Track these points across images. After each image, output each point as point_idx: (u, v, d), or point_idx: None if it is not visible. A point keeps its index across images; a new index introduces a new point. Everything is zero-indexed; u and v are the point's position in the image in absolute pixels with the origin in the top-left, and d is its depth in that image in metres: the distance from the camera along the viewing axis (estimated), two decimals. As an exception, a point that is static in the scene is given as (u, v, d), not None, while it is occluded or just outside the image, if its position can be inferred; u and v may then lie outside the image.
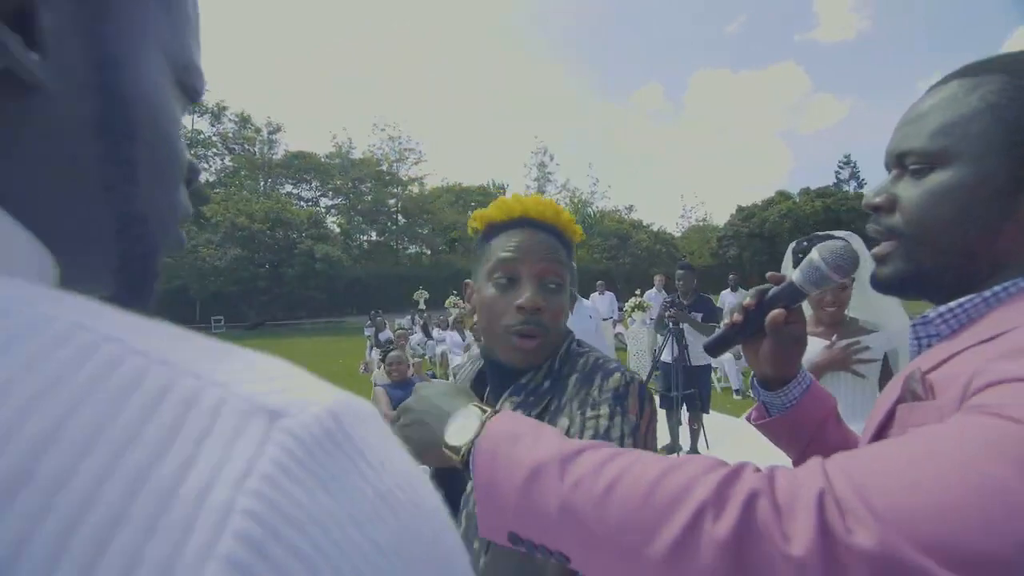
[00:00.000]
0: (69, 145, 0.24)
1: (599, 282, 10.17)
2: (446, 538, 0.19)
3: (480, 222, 0.83)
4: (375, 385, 3.60)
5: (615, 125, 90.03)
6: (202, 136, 27.89)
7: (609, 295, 9.88)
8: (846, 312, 1.78)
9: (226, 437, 0.15)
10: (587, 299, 10.91)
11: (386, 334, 9.23)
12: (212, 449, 0.14)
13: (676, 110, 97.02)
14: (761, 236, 33.27)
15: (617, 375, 0.76)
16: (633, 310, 8.71)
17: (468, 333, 7.77)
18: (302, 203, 32.66)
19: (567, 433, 0.73)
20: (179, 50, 0.28)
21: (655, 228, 33.04)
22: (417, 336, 11.60)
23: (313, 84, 78.97)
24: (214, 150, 28.10)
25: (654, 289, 8.71)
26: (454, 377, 0.89)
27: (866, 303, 1.79)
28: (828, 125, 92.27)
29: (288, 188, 32.62)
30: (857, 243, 1.63)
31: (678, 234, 42.68)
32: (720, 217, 45.10)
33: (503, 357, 0.80)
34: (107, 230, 0.26)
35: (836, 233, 1.66)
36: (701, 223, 45.87)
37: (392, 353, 3.57)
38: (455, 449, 0.53)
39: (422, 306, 15.98)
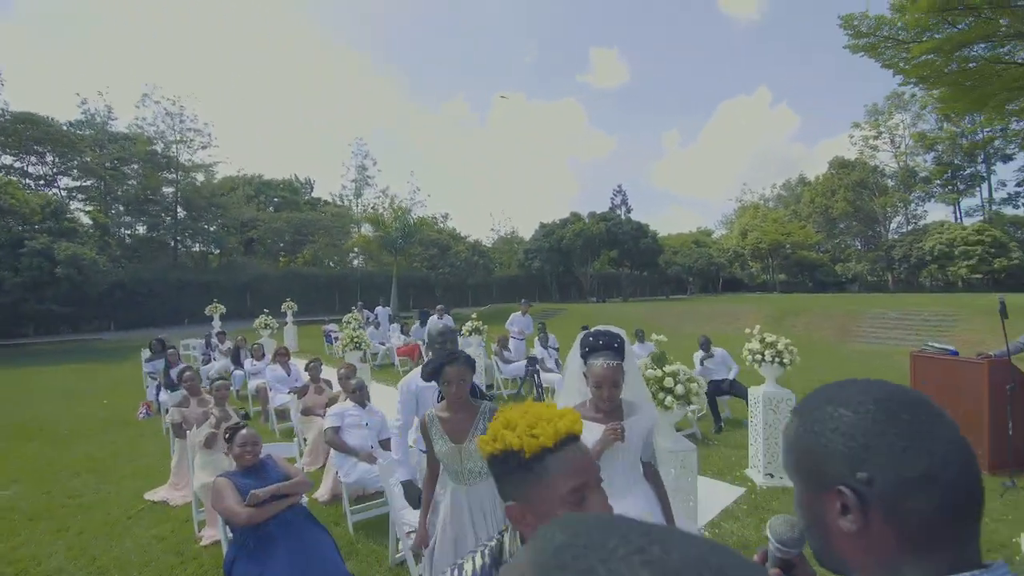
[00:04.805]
0: None
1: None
2: None
3: (531, 450, 0.87)
4: (216, 476, 3.00)
5: (429, 132, 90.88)
6: None
7: (529, 317, 9.90)
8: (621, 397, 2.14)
9: None
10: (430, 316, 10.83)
11: (181, 368, 7.64)
12: None
13: (481, 125, 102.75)
14: (559, 251, 37.46)
15: None
16: (470, 333, 9.05)
17: (300, 370, 6.95)
18: (28, 182, 24.89)
19: None
20: None
21: (471, 239, 34.41)
22: (220, 364, 9.94)
23: (57, 35, 60.55)
24: None
25: (519, 313, 9.56)
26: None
27: (635, 385, 2.23)
28: (602, 156, 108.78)
29: (6, 160, 24.47)
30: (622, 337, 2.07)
31: (490, 244, 45.18)
32: (526, 231, 49.35)
33: None
34: None
35: (611, 329, 2.09)
36: (509, 236, 49.40)
37: (243, 431, 3.00)
38: None
39: (218, 325, 13.64)
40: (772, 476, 4.59)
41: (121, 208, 27.10)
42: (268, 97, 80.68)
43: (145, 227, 28.27)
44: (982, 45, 13.22)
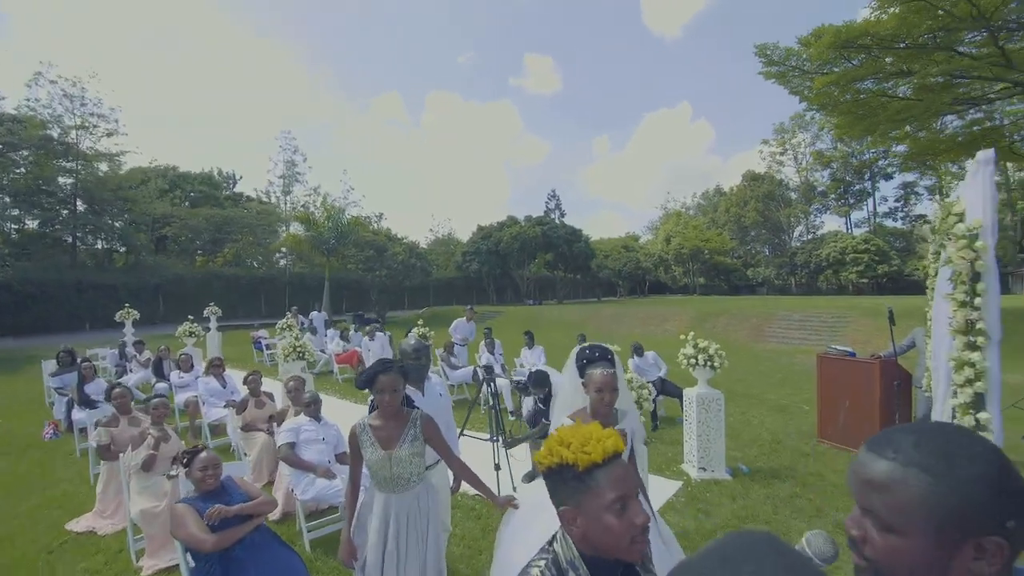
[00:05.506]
0: None
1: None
2: None
3: (583, 464, 1.03)
4: (175, 502, 2.88)
5: (360, 131, 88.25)
6: None
7: (473, 323, 9.86)
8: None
9: None
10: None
11: (98, 385, 7.01)
12: None
13: (414, 124, 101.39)
14: (497, 253, 37.79)
15: None
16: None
17: (237, 383, 6.58)
18: None
19: None
20: None
21: (408, 241, 33.80)
22: (138, 376, 9.17)
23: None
24: None
25: (463, 319, 9.57)
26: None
27: (623, 393, 2.47)
28: (537, 161, 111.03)
29: None
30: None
31: (425, 246, 44.60)
32: (462, 233, 49.28)
33: (628, 558, 1.05)
34: None
35: (603, 344, 2.39)
36: (446, 237, 49.06)
37: (203, 454, 2.89)
38: None
39: (131, 332, 12.48)
40: (705, 470, 5.03)
41: (7, 200, 23.93)
42: (184, 86, 74.58)
43: (37, 221, 25.17)
44: (871, 80, 15.05)
